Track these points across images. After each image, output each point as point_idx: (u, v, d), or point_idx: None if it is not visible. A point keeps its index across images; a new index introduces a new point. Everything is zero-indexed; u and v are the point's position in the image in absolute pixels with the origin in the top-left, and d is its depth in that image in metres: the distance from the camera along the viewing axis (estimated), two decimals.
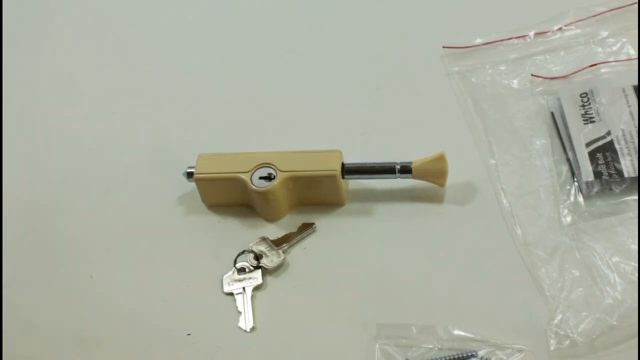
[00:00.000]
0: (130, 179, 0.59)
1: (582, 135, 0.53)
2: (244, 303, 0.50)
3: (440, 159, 0.52)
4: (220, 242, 0.54)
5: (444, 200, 0.54)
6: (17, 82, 0.69)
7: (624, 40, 0.60)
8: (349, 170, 0.53)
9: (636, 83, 0.55)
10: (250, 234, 0.54)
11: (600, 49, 0.60)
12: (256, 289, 0.51)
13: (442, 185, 0.53)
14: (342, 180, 0.53)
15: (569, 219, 0.51)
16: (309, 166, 0.53)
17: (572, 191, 0.52)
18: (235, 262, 0.52)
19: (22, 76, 0.69)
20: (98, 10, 0.75)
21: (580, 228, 0.50)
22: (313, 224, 0.54)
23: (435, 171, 0.52)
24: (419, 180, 0.53)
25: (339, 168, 0.53)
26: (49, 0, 0.77)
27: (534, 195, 0.53)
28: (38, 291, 0.53)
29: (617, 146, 0.52)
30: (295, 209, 0.55)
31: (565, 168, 0.54)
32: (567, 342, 0.45)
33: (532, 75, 0.59)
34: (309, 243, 0.53)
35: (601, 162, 0.52)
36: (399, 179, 0.53)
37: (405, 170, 0.53)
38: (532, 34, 0.62)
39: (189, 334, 0.49)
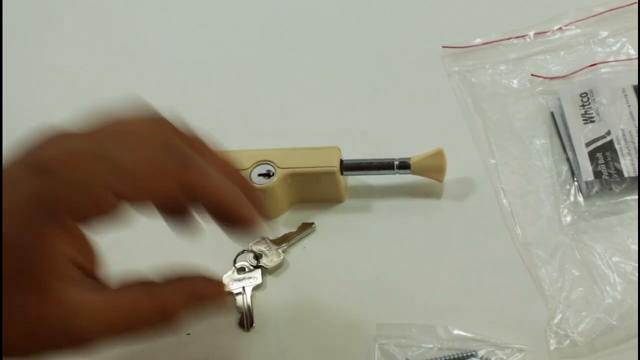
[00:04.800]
0: None
1: (582, 135, 0.53)
2: (243, 303, 0.50)
3: (439, 154, 0.52)
4: (219, 242, 0.54)
5: (444, 200, 0.54)
6: (17, 81, 0.69)
7: (624, 40, 0.60)
8: (347, 167, 0.53)
9: (636, 83, 0.55)
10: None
11: (600, 49, 0.60)
12: (256, 288, 0.51)
13: (440, 180, 0.53)
14: (341, 177, 0.53)
15: (569, 218, 0.51)
16: (307, 163, 0.53)
17: (572, 191, 0.52)
18: (234, 262, 0.52)
19: (21, 75, 0.69)
20: (95, 12, 0.75)
21: (580, 228, 0.50)
22: (312, 223, 0.54)
23: (434, 167, 0.52)
24: (418, 176, 0.53)
25: (337, 164, 0.53)
26: (47, 2, 0.77)
27: (534, 195, 0.53)
28: None
29: (617, 146, 0.52)
30: (294, 206, 0.55)
31: (565, 168, 0.54)
32: (567, 342, 0.45)
33: (532, 75, 0.59)
34: (308, 242, 0.53)
35: (601, 162, 0.52)
36: (397, 175, 0.53)
37: (404, 166, 0.53)
38: (532, 34, 0.62)
39: (189, 334, 0.49)
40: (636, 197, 0.51)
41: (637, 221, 0.50)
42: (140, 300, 0.38)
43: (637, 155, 0.52)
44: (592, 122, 0.54)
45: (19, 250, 0.35)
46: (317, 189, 0.53)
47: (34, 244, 0.35)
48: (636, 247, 0.49)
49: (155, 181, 0.37)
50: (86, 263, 0.38)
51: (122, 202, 0.37)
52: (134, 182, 0.37)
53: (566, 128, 0.55)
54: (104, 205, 0.37)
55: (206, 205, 0.39)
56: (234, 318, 0.50)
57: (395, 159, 0.53)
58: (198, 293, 0.40)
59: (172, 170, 0.38)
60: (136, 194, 0.37)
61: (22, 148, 0.39)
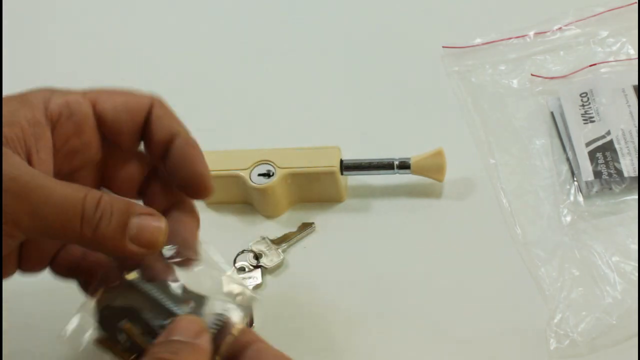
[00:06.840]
0: None
1: (582, 135, 0.54)
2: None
3: (439, 154, 0.52)
4: (219, 241, 0.54)
5: (444, 200, 0.54)
6: (16, 81, 0.69)
7: (624, 40, 0.60)
8: (347, 167, 0.53)
9: (636, 83, 0.55)
10: (249, 232, 0.54)
11: (600, 49, 0.60)
12: (256, 288, 0.51)
13: (440, 180, 0.53)
14: (341, 177, 0.53)
15: (568, 218, 0.51)
16: (307, 163, 0.53)
17: (572, 191, 0.52)
18: (234, 262, 0.52)
19: (20, 75, 0.69)
20: (92, 13, 0.75)
21: (580, 228, 0.50)
22: (312, 223, 0.54)
23: (434, 166, 0.52)
24: (418, 176, 0.53)
25: (337, 164, 0.53)
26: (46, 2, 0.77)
27: (534, 195, 0.53)
28: (38, 290, 0.53)
29: (617, 146, 0.52)
30: (294, 206, 0.55)
31: (565, 168, 0.54)
32: (567, 341, 0.45)
33: (532, 75, 0.59)
34: (308, 242, 0.53)
35: (601, 162, 0.52)
36: (397, 174, 0.53)
37: (404, 166, 0.53)
38: (531, 33, 0.62)
39: None
40: (636, 197, 0.51)
41: (637, 221, 0.50)
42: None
43: (637, 155, 0.52)
44: (592, 122, 0.54)
45: None
46: (317, 188, 0.54)
47: None
48: (636, 247, 0.49)
49: None
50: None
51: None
52: None
53: (566, 128, 0.55)
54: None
55: None
56: None
57: (395, 159, 0.53)
58: None
59: None
60: None
61: None
